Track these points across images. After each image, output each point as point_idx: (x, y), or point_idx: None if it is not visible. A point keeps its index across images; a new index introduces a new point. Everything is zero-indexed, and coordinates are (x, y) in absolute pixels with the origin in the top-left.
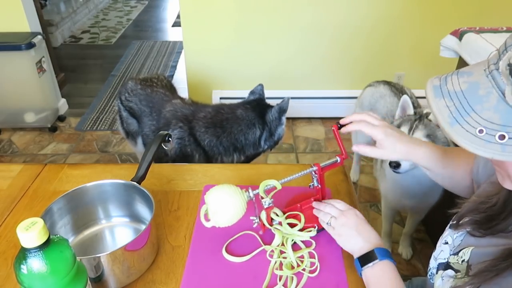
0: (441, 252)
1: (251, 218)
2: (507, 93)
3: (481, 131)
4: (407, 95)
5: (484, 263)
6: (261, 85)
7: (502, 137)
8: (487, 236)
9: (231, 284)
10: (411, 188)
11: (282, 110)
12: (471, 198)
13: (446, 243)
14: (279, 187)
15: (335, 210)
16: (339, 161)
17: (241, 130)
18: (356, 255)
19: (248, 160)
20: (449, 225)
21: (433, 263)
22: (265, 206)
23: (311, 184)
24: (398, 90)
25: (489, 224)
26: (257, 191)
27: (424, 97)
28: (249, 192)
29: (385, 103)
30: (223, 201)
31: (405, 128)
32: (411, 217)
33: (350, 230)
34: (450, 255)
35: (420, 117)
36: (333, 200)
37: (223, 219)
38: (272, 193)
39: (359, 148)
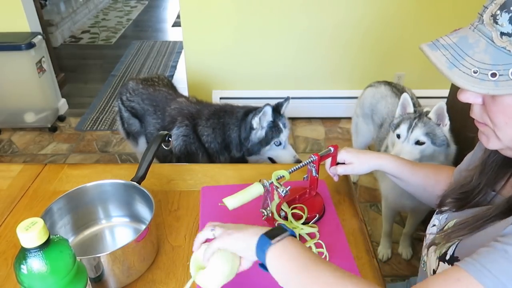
0: (430, 235)
1: (261, 210)
2: (494, 37)
3: (475, 72)
4: (411, 93)
5: (463, 219)
6: (287, 99)
7: (493, 75)
8: (466, 208)
9: (245, 282)
10: None
11: (256, 113)
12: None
13: (434, 225)
14: (287, 176)
15: (214, 223)
16: (332, 150)
17: (231, 124)
18: (255, 240)
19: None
20: (435, 213)
21: (424, 251)
22: (282, 195)
23: (305, 176)
24: (399, 90)
25: (467, 199)
26: (271, 180)
27: (424, 97)
28: (264, 182)
29: (386, 103)
30: (219, 267)
31: (404, 126)
32: (412, 217)
33: (240, 226)
34: (437, 232)
35: (420, 115)
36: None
37: (212, 284)
38: (282, 183)
39: (334, 171)
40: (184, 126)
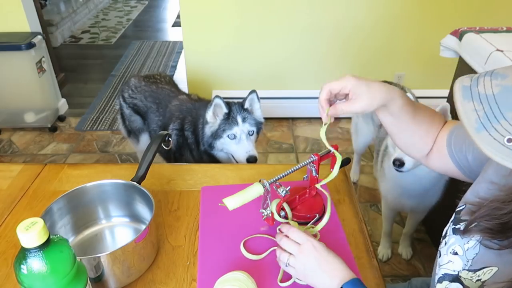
0: (449, 262)
1: (261, 210)
2: None
3: (509, 140)
4: (411, 93)
5: (501, 284)
6: (251, 93)
7: None
8: (506, 247)
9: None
10: (410, 188)
11: (208, 106)
12: (476, 201)
13: (456, 253)
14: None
15: (293, 247)
16: (332, 150)
17: (200, 116)
18: None
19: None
20: (451, 228)
21: (436, 270)
22: (282, 195)
23: (305, 176)
24: None
25: (504, 234)
26: (271, 180)
27: (424, 97)
28: (264, 182)
29: None
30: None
31: None
32: (411, 217)
33: (313, 269)
34: (464, 269)
35: None
36: (288, 228)
37: None
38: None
39: (335, 109)
40: (178, 121)
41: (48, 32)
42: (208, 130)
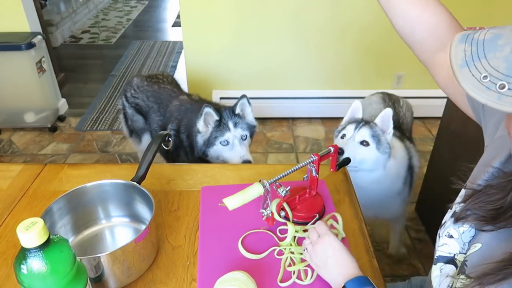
0: (445, 245)
1: (261, 210)
2: None
3: (485, 77)
4: (390, 108)
5: (488, 265)
6: (241, 98)
7: (502, 86)
8: (500, 228)
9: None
10: (366, 200)
11: (198, 116)
12: (472, 186)
13: (451, 236)
14: None
15: (314, 235)
16: (332, 150)
17: (194, 123)
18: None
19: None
20: (451, 213)
21: (437, 252)
22: (282, 195)
23: (305, 176)
24: (391, 101)
25: (497, 220)
26: (271, 180)
27: (424, 97)
28: (264, 182)
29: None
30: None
31: (351, 126)
32: (392, 229)
33: (325, 261)
34: (461, 253)
35: (367, 121)
36: (319, 222)
37: None
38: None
39: None
40: (176, 121)
41: (48, 32)
42: (200, 139)
